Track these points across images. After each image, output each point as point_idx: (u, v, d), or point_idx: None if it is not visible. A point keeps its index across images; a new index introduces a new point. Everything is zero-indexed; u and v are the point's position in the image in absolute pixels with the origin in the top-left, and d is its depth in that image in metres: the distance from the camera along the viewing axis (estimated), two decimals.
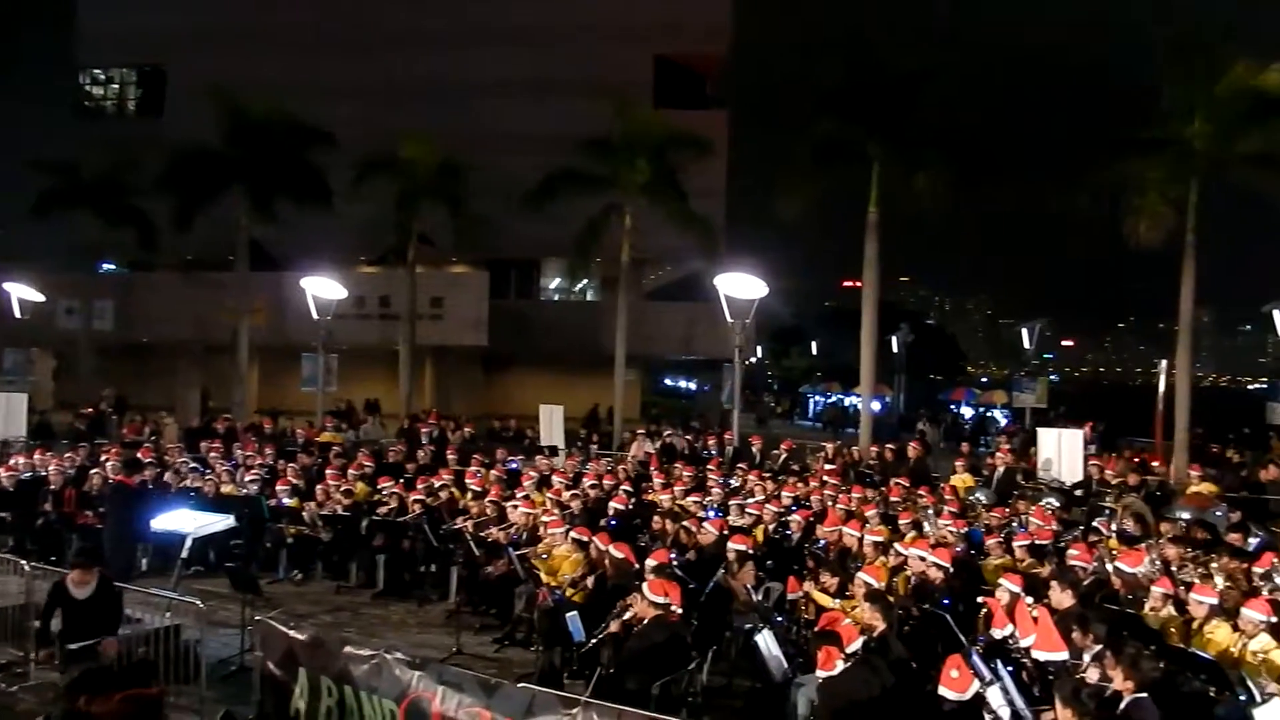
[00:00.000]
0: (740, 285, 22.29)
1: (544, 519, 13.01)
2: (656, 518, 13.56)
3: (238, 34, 38.40)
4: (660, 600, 8.85)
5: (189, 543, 12.15)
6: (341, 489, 15.93)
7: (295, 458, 19.06)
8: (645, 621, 8.90)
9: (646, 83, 36.58)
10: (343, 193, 28.89)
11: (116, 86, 45.07)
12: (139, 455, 17.47)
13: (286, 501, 15.58)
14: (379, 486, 15.85)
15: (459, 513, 14.70)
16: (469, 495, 15.63)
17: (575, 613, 9.56)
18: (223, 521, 12.84)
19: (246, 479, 16.52)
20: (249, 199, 29.21)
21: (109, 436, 23.23)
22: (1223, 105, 20.93)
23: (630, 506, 14.87)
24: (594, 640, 9.31)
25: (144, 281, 37.57)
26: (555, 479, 16.35)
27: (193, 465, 18.05)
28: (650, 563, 10.38)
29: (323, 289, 27.05)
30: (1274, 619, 8.69)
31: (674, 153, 27.31)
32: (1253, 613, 8.75)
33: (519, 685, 7.67)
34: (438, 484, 15.91)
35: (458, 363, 37.53)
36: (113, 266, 38.07)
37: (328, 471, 17.01)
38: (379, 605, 13.57)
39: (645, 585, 9.12)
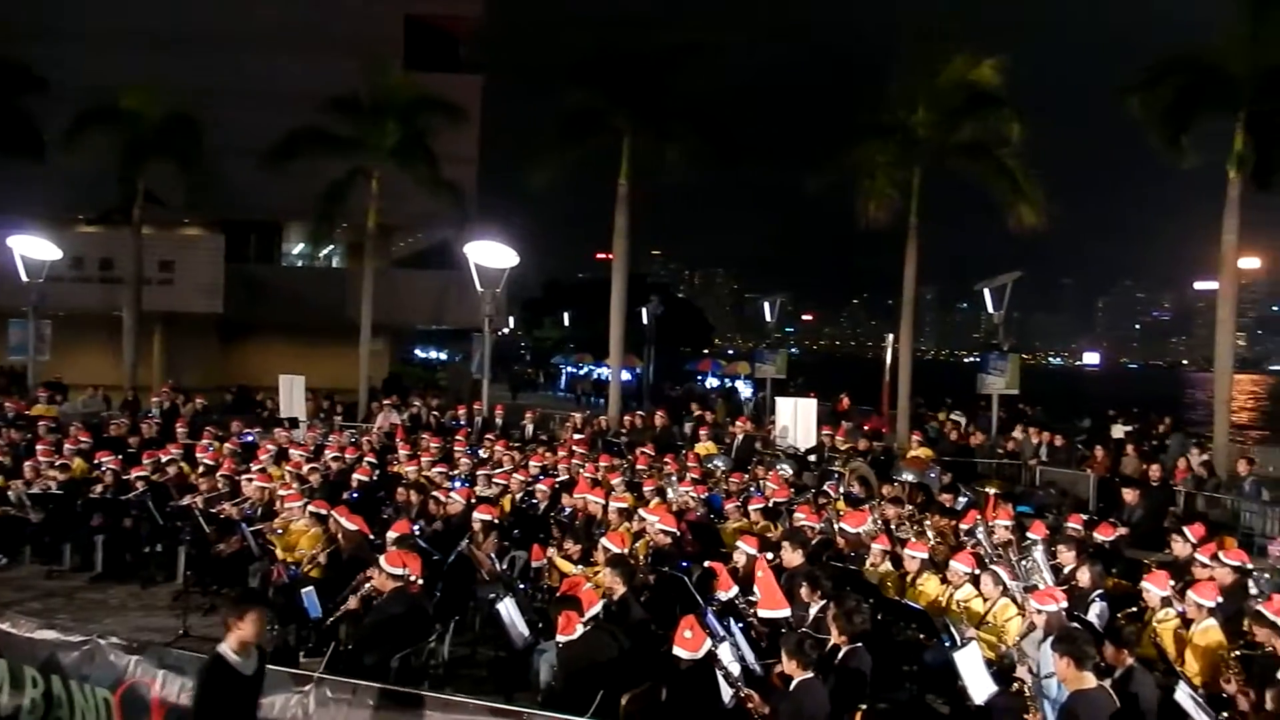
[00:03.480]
0: (491, 254, 22.16)
1: (281, 493, 12.50)
2: (400, 489, 13.34)
3: None
4: (399, 572, 8.67)
5: None
6: (55, 465, 14.72)
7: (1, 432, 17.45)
8: (384, 594, 8.71)
9: (397, 42, 35.37)
10: (59, 144, 26.49)
11: None
12: None
13: None
14: (97, 462, 14.77)
15: (188, 489, 13.90)
16: (199, 470, 14.78)
17: (311, 588, 9.24)
18: None
19: None
20: None
21: None
22: (943, 96, 22.56)
23: (375, 478, 14.57)
24: (332, 616, 9.04)
25: None
26: (295, 451, 15.74)
27: None
28: (391, 534, 10.20)
29: (33, 248, 24.86)
30: (976, 571, 9.50)
31: (425, 117, 26.67)
32: (959, 565, 9.58)
33: None
34: (165, 459, 15.01)
35: (190, 331, 35.22)
36: None
37: (38, 447, 15.80)
38: (97, 589, 12.66)
39: (383, 558, 8.93)
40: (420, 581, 9.02)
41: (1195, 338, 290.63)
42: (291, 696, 6.90)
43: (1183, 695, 6.68)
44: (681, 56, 24.60)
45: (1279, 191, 20.35)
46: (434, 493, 13.03)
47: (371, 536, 10.79)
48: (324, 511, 11.29)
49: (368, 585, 8.95)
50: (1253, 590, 9.58)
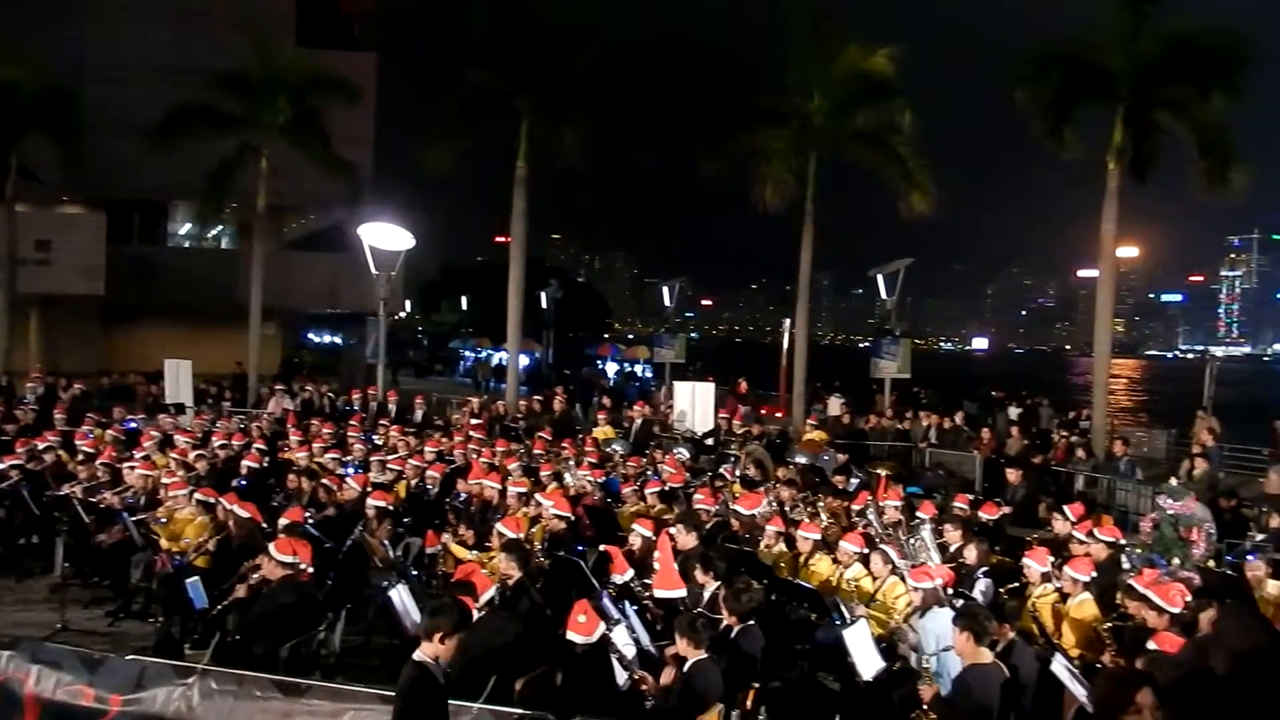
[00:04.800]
0: (386, 236, 21.79)
1: (165, 481, 12.10)
2: (291, 476, 13.03)
3: None
4: (288, 560, 8.48)
5: None
6: None
7: None
8: (273, 583, 8.52)
9: (288, 18, 34.45)
10: None
11: None
12: None
13: None
14: None
15: (66, 477, 13.38)
16: (78, 458, 14.24)
17: (197, 578, 8.99)
18: None
19: None
20: None
21: None
22: (837, 85, 22.91)
23: (265, 465, 14.23)
24: (219, 606, 8.81)
25: None
26: (180, 438, 15.28)
27: None
28: (282, 521, 9.98)
29: None
30: (866, 550, 9.70)
31: (318, 95, 26.07)
32: (849, 545, 9.76)
33: (128, 658, 7.14)
34: (41, 446, 14.41)
35: (70, 314, 33.88)
36: None
37: None
38: None
39: (273, 545, 8.72)
40: (311, 569, 8.85)
41: (1077, 324, 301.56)
42: (175, 689, 6.71)
43: (1059, 666, 6.92)
44: (579, 38, 24.44)
45: (1155, 183, 21.27)
46: (324, 479, 12.80)
47: (263, 524, 10.55)
48: (211, 499, 10.99)
49: (256, 574, 8.74)
50: (1125, 565, 9.97)
